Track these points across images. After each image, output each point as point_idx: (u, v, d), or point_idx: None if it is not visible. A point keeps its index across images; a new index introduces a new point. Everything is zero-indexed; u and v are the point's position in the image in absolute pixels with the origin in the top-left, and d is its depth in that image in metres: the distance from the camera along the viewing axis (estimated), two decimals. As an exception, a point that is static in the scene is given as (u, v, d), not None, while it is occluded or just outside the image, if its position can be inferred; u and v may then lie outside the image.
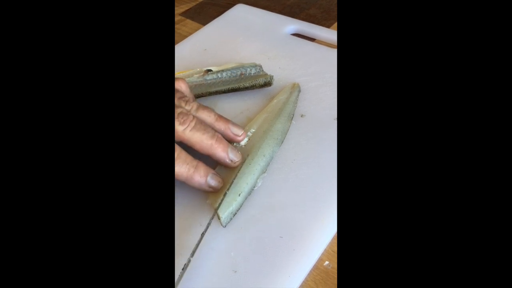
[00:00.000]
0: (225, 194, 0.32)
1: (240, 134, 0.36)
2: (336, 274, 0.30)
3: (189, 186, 0.33)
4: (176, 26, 0.60)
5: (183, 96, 0.36)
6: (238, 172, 0.34)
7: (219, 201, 0.31)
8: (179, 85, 0.37)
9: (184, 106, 0.35)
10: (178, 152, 0.32)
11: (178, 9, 0.64)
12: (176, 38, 0.56)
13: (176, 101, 0.35)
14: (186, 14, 0.63)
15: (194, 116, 0.34)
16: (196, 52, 0.51)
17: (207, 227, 0.30)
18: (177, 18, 0.62)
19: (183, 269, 0.28)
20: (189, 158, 0.32)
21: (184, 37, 0.55)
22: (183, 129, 0.33)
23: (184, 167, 0.32)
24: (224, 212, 0.31)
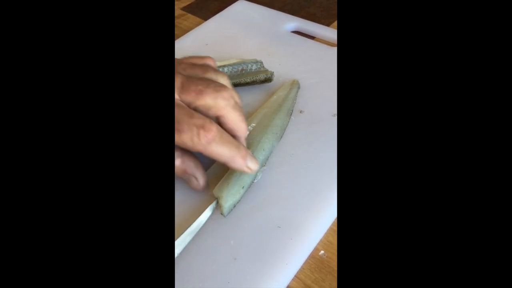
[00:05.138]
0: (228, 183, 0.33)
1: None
2: (330, 263, 0.31)
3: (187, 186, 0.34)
4: (177, 20, 0.61)
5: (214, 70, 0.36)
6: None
7: (223, 190, 0.33)
8: (208, 62, 0.38)
9: (216, 79, 0.35)
10: (221, 132, 0.31)
11: (180, 3, 0.65)
12: (177, 32, 0.57)
13: (207, 74, 0.34)
14: (188, 8, 0.64)
15: (216, 127, 0.31)
16: (197, 47, 0.52)
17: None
18: (178, 12, 0.63)
19: None
20: (234, 140, 0.32)
21: (185, 31, 0.56)
22: (206, 143, 0.30)
23: (233, 150, 0.31)
24: (228, 202, 0.32)
